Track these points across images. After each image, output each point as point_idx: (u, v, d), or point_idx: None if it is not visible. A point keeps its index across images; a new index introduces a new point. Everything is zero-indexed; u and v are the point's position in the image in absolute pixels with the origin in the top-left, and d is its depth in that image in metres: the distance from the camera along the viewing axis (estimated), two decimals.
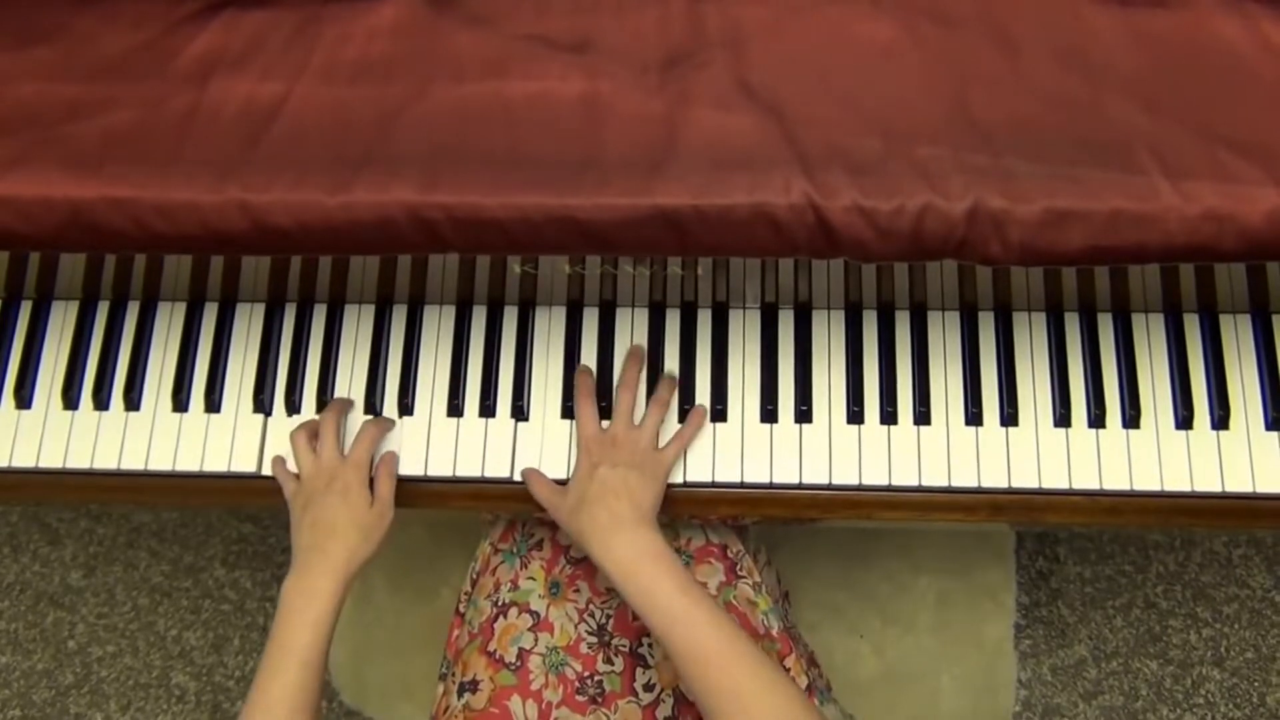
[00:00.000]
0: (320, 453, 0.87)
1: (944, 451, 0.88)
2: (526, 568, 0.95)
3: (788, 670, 0.90)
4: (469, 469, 0.90)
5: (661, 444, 0.87)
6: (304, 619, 0.79)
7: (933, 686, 1.48)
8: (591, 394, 0.89)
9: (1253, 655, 1.49)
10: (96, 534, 1.63)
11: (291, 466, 0.89)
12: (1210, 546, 1.53)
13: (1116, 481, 0.86)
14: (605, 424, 0.88)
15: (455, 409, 0.91)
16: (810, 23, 0.76)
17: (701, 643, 0.74)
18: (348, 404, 0.92)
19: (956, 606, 1.50)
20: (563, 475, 0.89)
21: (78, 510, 1.64)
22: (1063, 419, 0.88)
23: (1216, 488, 0.85)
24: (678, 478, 0.88)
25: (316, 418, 0.91)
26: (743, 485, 0.89)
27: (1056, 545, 1.54)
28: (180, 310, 0.95)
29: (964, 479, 0.87)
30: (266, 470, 0.91)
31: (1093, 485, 0.86)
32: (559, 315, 0.94)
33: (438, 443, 0.91)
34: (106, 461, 0.91)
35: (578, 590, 0.92)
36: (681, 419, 0.90)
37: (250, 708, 0.76)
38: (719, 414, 0.90)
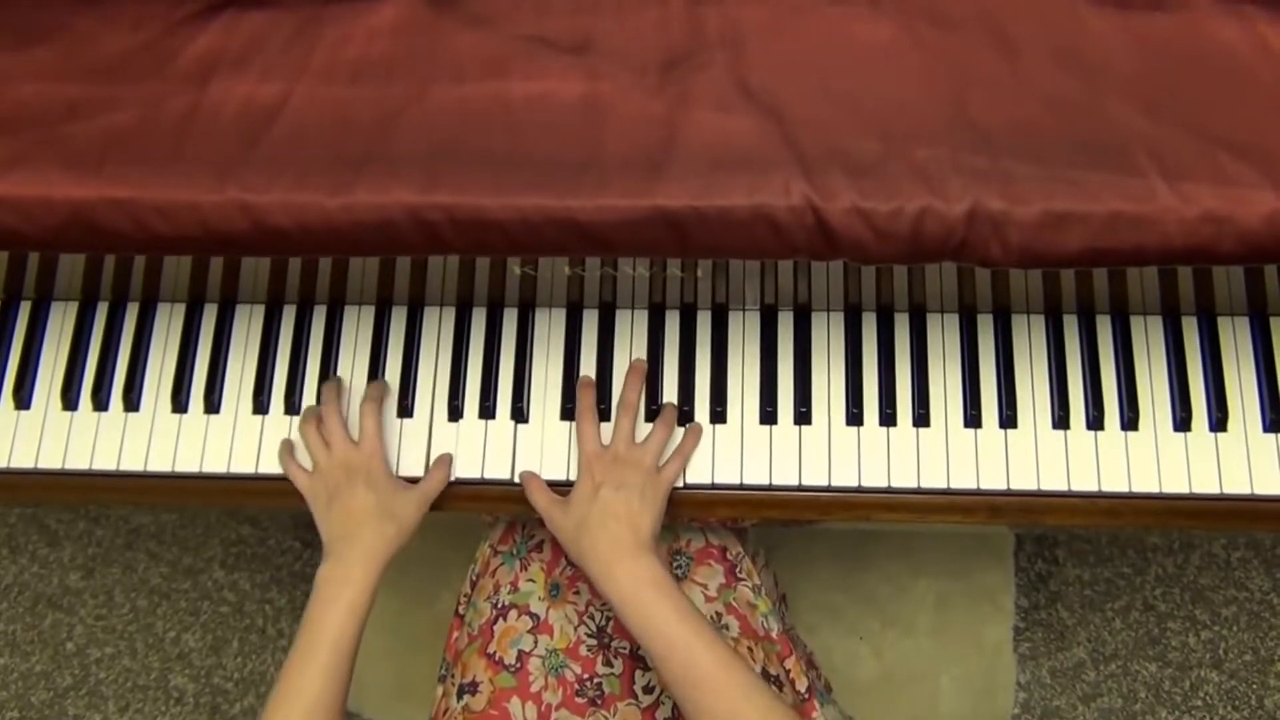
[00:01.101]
0: (332, 444, 0.87)
1: (943, 453, 0.88)
2: (526, 570, 0.95)
3: (787, 672, 0.90)
4: (469, 471, 0.90)
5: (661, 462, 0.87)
6: (337, 605, 0.79)
7: (932, 688, 1.48)
8: (593, 410, 0.89)
9: (1251, 658, 1.49)
10: (95, 535, 1.63)
11: (301, 458, 0.89)
12: (1209, 549, 1.53)
13: (1115, 483, 0.86)
14: (604, 424, 0.88)
15: (455, 411, 0.91)
16: (809, 24, 0.76)
17: (699, 668, 0.74)
18: (342, 387, 0.91)
19: (956, 609, 1.50)
20: (562, 476, 0.89)
21: (76, 512, 1.64)
22: (1061, 421, 0.88)
23: (1214, 490, 0.86)
24: (677, 480, 0.88)
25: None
26: (742, 487, 0.89)
27: (1055, 548, 1.54)
28: (180, 311, 0.95)
29: (963, 481, 0.87)
30: (265, 470, 0.91)
31: (1091, 487, 0.86)
32: (559, 317, 0.94)
33: (438, 445, 0.91)
34: (105, 462, 0.91)
35: (578, 592, 0.92)
36: (682, 420, 0.90)
37: (277, 694, 0.76)
38: (718, 415, 0.90)
